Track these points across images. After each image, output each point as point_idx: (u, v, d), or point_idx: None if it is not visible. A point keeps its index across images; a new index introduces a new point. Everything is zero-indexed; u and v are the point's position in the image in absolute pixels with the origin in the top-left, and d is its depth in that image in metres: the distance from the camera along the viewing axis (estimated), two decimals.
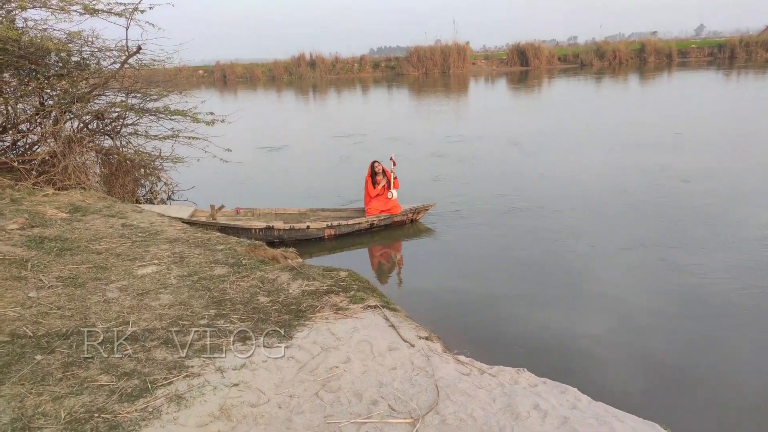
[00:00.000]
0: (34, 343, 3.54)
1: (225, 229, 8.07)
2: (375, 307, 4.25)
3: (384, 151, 14.12)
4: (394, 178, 8.75)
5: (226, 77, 51.69)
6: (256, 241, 6.10)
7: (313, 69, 52.10)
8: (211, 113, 10.45)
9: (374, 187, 8.70)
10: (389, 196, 8.65)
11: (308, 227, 8.22)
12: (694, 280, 6.34)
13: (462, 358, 3.41)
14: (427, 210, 9.04)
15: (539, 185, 10.74)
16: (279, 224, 8.27)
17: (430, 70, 50.58)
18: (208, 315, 4.04)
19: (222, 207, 8.62)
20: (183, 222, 7.84)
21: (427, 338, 3.74)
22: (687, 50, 52.76)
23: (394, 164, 8.76)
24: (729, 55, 49.82)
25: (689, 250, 7.21)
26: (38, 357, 3.37)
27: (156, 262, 5.14)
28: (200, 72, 52.87)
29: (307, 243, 8.29)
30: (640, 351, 4.90)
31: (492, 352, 4.53)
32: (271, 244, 8.08)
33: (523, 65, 52.27)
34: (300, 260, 6.15)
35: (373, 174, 8.74)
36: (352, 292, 4.54)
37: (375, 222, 8.62)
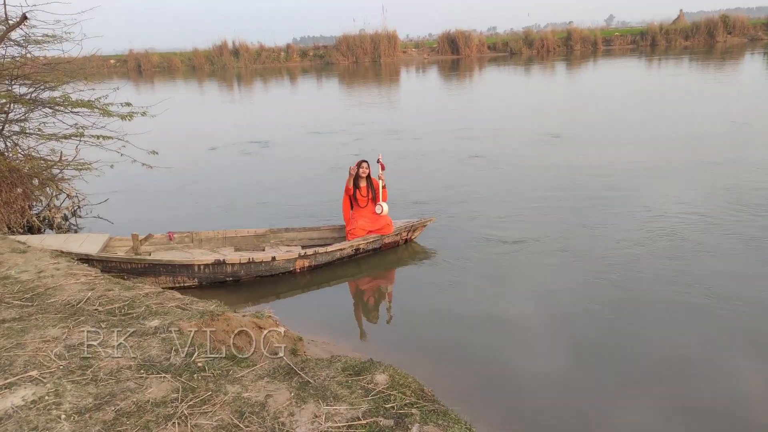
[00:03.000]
0: None
1: (155, 268, 5.70)
2: None
3: (364, 149, 12.00)
4: (383, 187, 6.63)
5: (141, 67, 47.31)
6: (212, 306, 3.84)
7: (237, 58, 48.78)
8: (128, 104, 7.91)
9: (357, 198, 6.55)
10: (378, 211, 6.52)
11: (274, 259, 5.97)
12: None
13: None
14: (425, 226, 7.00)
15: (557, 188, 8.93)
16: (233, 256, 5.98)
17: (360, 59, 48.71)
18: None
19: (149, 236, 6.19)
20: (90, 263, 5.42)
21: None
22: (611, 38, 53.49)
23: (383, 168, 6.62)
24: (650, 42, 50.75)
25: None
26: None
27: (35, 373, 2.81)
28: (112, 61, 48.17)
29: (271, 280, 6.06)
30: None
31: None
32: (222, 284, 5.84)
33: (453, 53, 51.40)
34: (283, 329, 3.95)
35: (355, 179, 6.57)
36: (414, 428, 2.44)
37: (361, 246, 6.48)
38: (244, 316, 3.88)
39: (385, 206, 6.53)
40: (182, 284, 5.80)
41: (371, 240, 6.49)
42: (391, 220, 6.61)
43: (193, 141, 14.48)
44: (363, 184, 6.58)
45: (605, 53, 46.19)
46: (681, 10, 58.54)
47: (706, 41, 48.19)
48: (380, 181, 6.58)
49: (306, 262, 6.16)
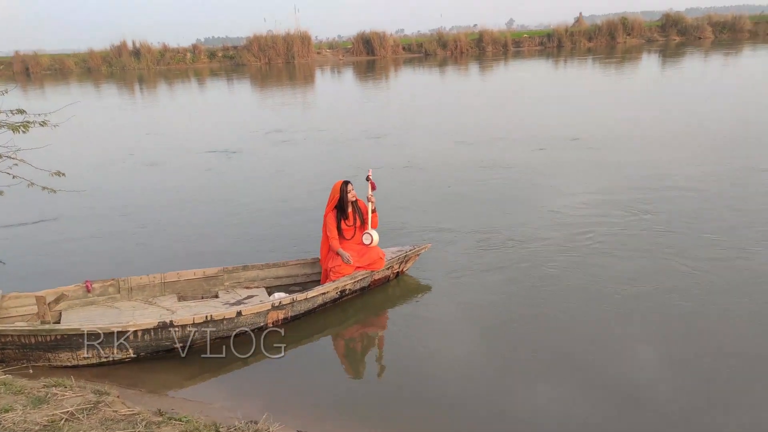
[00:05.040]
0: None
1: (72, 341, 4.07)
2: None
3: (330, 160, 10.43)
4: (373, 211, 5.31)
5: (29, 70, 42.62)
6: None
7: (138, 59, 45.19)
8: (20, 111, 6.08)
9: (342, 229, 5.19)
10: (367, 242, 5.19)
11: (239, 315, 4.50)
12: None
13: None
14: (419, 255, 5.75)
15: (567, 207, 7.96)
16: (183, 315, 4.43)
17: (273, 60, 46.73)
18: None
19: (62, 296, 4.50)
20: None
21: None
22: (520, 40, 54.65)
23: (373, 188, 5.30)
24: (557, 44, 52.23)
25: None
26: None
27: None
28: None
29: (235, 341, 4.58)
30: None
31: None
32: (169, 351, 4.32)
33: (369, 54, 50.72)
34: None
35: (340, 205, 5.21)
36: None
37: (348, 286, 5.12)
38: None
39: (375, 235, 5.21)
40: (111, 358, 4.22)
41: (359, 278, 5.15)
42: (383, 252, 5.30)
43: (108, 155, 12.18)
44: (349, 209, 5.22)
45: (516, 54, 46.96)
46: (580, 14, 60.98)
47: (608, 42, 50.11)
48: (369, 204, 5.26)
49: (281, 314, 4.73)
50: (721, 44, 40.23)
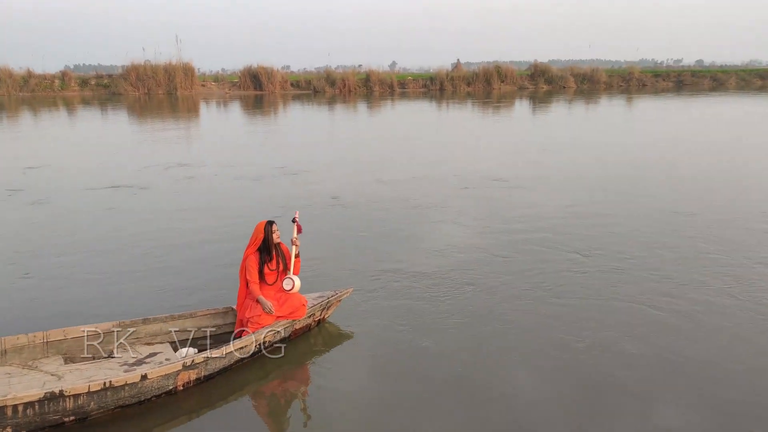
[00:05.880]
0: None
1: None
2: None
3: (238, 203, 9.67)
4: (296, 256, 4.92)
5: None
6: None
7: None
8: None
9: (265, 273, 4.77)
10: (287, 287, 4.78)
11: (144, 378, 3.89)
12: None
13: None
14: (340, 300, 5.41)
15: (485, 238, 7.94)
16: (75, 381, 3.76)
17: (153, 91, 44.63)
18: None
19: None
20: None
21: None
22: (405, 82, 56.80)
23: (299, 230, 4.93)
24: (439, 87, 54.92)
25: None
26: None
27: None
28: None
29: (138, 410, 3.96)
30: None
31: None
32: (59, 426, 3.64)
33: (256, 89, 50.11)
34: None
35: (264, 247, 4.78)
36: None
37: (268, 338, 4.66)
38: None
39: (297, 280, 4.82)
40: None
41: (280, 328, 4.72)
42: (305, 298, 4.91)
43: None
44: (274, 252, 4.81)
45: (402, 95, 48.64)
46: (458, 60, 64.80)
47: (485, 88, 53.47)
48: (293, 248, 4.88)
49: (193, 375, 4.17)
50: (583, 93, 44.41)
